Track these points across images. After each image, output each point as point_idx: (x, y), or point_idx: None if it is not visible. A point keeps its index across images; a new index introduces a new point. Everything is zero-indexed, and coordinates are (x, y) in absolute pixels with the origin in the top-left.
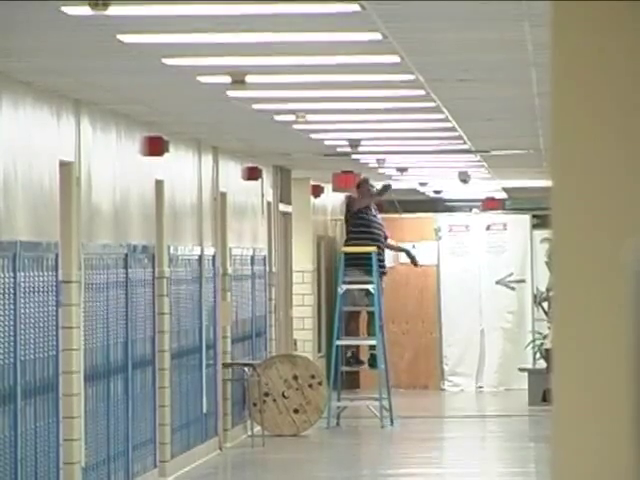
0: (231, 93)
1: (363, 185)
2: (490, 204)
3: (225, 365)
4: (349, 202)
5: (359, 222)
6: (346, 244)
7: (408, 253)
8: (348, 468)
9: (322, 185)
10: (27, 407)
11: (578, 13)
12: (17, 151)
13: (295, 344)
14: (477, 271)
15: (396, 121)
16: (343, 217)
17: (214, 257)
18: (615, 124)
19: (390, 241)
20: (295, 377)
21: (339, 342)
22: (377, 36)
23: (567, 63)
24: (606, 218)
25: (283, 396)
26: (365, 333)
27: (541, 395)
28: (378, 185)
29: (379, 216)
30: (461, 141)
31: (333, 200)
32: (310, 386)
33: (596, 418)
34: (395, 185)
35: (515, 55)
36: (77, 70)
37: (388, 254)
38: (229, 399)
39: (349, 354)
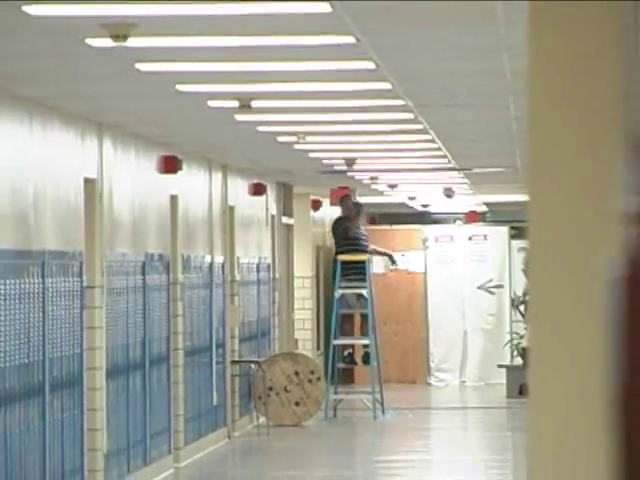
0: (238, 117)
1: (345, 202)
2: (472, 217)
3: (233, 362)
4: (338, 223)
5: (349, 235)
6: (337, 253)
7: (390, 257)
8: (344, 455)
9: (321, 200)
10: (55, 400)
11: (551, 45)
12: (46, 169)
13: (296, 343)
14: (460, 277)
15: (387, 142)
16: (331, 231)
17: (223, 265)
18: (585, 145)
19: (372, 247)
20: (296, 373)
21: (336, 341)
22: (370, 65)
23: (541, 90)
24: (577, 230)
25: (285, 390)
26: (359, 333)
27: (518, 389)
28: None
29: (362, 228)
30: (446, 160)
31: (330, 213)
32: (310, 381)
33: (569, 410)
34: (387, 199)
35: (495, 83)
36: (99, 96)
37: (379, 263)
38: (237, 393)
39: (346, 354)
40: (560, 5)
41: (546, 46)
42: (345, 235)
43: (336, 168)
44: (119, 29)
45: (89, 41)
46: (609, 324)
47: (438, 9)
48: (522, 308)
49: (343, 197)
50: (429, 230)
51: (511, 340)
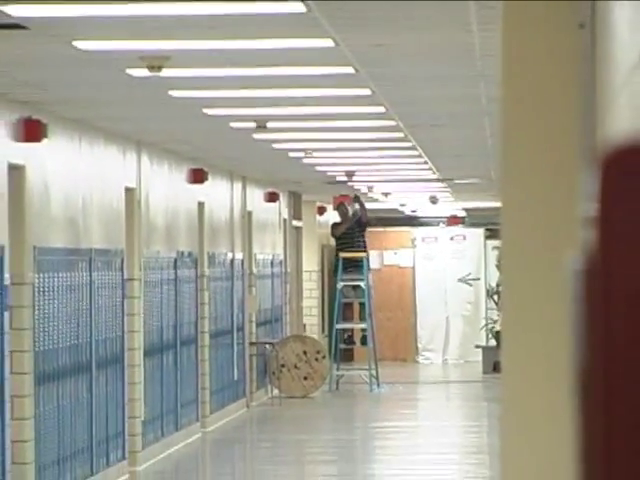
0: (256, 136)
1: (340, 209)
2: (453, 220)
3: (251, 343)
4: (333, 227)
5: (346, 235)
6: (338, 251)
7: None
8: (345, 422)
9: (325, 206)
10: (100, 375)
11: (520, 77)
12: (93, 180)
13: (304, 327)
14: (443, 271)
15: (382, 157)
16: (330, 233)
17: (243, 261)
18: (549, 159)
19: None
20: (304, 352)
21: (338, 326)
22: (367, 92)
23: (512, 114)
24: (543, 231)
25: (295, 367)
26: (358, 319)
27: (492, 366)
28: (355, 206)
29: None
30: (431, 172)
31: (333, 217)
32: (316, 359)
33: (536, 383)
34: (381, 206)
35: (472, 107)
36: (138, 118)
37: (375, 259)
38: (254, 369)
39: (346, 336)
40: (527, 42)
41: (515, 78)
42: (342, 236)
43: (338, 179)
44: (155, 61)
45: (129, 71)
46: (570, 310)
47: (424, 45)
48: (495, 297)
49: (339, 204)
50: (417, 231)
51: (486, 324)
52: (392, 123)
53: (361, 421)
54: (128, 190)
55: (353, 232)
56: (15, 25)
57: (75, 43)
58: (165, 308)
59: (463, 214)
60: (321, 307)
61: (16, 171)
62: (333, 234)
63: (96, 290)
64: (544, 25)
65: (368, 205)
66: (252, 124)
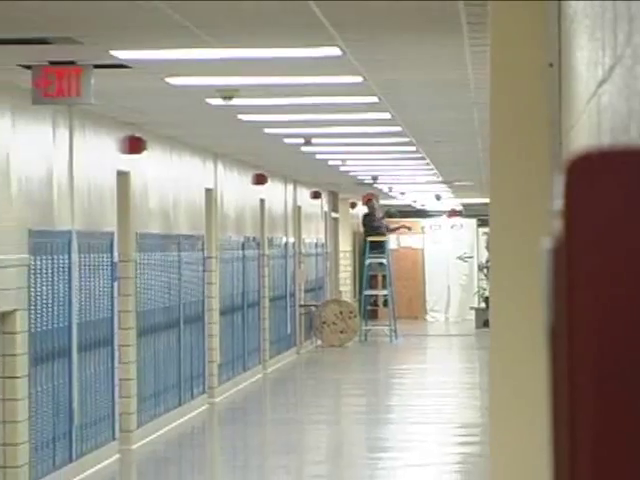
0: (303, 149)
1: (369, 203)
2: (453, 213)
3: (300, 305)
4: (363, 217)
5: (373, 225)
6: (366, 235)
7: (404, 226)
8: (371, 364)
9: (356, 202)
10: (186, 330)
11: (505, 106)
12: (180, 182)
13: (340, 293)
14: (445, 251)
15: (399, 165)
16: (361, 222)
17: (294, 243)
18: (526, 166)
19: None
20: (341, 312)
21: (366, 292)
22: (387, 115)
23: (498, 133)
24: (522, 220)
25: (333, 323)
26: (381, 287)
27: (482, 322)
28: (381, 202)
29: (383, 220)
30: (436, 176)
31: (362, 211)
32: (349, 318)
33: (518, 335)
34: (399, 202)
35: (468, 128)
36: (215, 135)
37: (394, 242)
38: (302, 325)
39: (372, 300)
40: (510, 77)
41: (501, 106)
42: (370, 224)
43: (366, 182)
44: (227, 93)
45: (208, 100)
46: (542, 279)
47: (430, 79)
48: (485, 271)
49: (368, 200)
50: (425, 221)
51: (478, 291)
52: (406, 139)
53: (383, 364)
54: (207, 190)
55: (377, 222)
56: (121, 65)
57: (167, 79)
58: (235, 279)
59: (461, 208)
60: (353, 278)
61: (123, 176)
62: (363, 223)
63: (183, 265)
64: (522, 64)
65: (389, 201)
66: (301, 140)
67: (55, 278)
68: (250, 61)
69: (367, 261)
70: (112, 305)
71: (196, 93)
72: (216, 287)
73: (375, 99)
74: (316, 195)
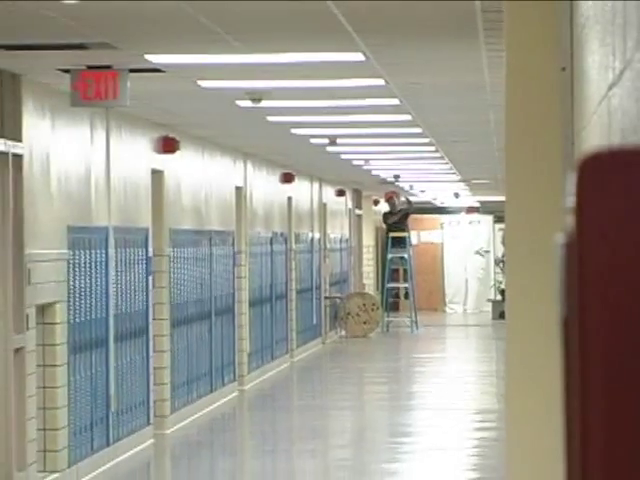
0: (329, 149)
1: (390, 201)
2: (471, 210)
3: (325, 297)
4: (384, 215)
5: (394, 221)
6: (388, 231)
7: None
8: (393, 354)
9: (379, 199)
10: (217, 321)
11: (519, 108)
12: (212, 182)
13: (364, 286)
14: (463, 246)
15: (420, 165)
16: (382, 220)
17: (320, 239)
18: (541, 164)
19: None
20: (364, 304)
21: (388, 285)
22: (408, 117)
23: (513, 134)
24: (536, 218)
25: (357, 315)
26: (402, 280)
27: (498, 314)
28: (402, 198)
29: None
30: (455, 175)
31: (385, 208)
32: (372, 309)
33: (532, 326)
34: (419, 199)
35: (485, 128)
36: (244, 136)
37: (414, 237)
38: (328, 316)
39: (394, 292)
40: (525, 80)
41: (516, 107)
42: (391, 221)
43: (388, 180)
44: (256, 95)
45: (237, 102)
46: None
47: (449, 83)
48: (501, 265)
49: (389, 198)
50: (444, 217)
51: (494, 284)
52: (426, 140)
53: (404, 353)
54: (237, 188)
55: (399, 218)
56: (155, 69)
57: (199, 82)
58: (264, 272)
59: (478, 205)
60: (376, 272)
61: (157, 174)
62: (385, 220)
63: (214, 260)
64: (536, 68)
65: (410, 198)
66: (326, 140)
67: (93, 272)
68: (278, 65)
69: (389, 256)
70: (147, 297)
71: (226, 95)
72: (246, 280)
73: (396, 101)
74: (340, 193)
